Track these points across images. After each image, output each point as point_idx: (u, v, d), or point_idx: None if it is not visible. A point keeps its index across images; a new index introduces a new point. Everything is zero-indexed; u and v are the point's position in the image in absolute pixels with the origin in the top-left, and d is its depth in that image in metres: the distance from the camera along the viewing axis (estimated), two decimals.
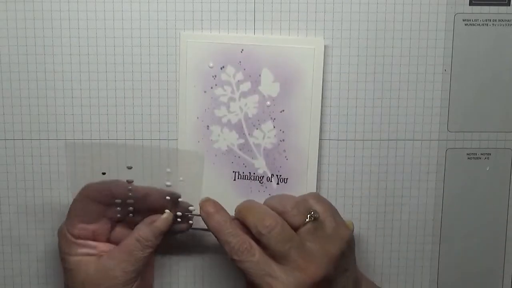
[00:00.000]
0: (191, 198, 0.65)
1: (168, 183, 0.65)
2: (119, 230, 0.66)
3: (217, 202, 0.64)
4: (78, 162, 0.66)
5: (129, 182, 0.64)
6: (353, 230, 0.66)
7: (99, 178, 0.64)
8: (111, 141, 0.68)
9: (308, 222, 0.62)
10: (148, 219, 0.65)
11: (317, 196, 0.65)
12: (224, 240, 0.62)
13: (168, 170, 0.66)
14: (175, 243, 0.70)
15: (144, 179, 0.65)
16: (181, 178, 0.66)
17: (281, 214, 0.62)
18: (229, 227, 0.62)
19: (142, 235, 0.64)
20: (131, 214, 0.65)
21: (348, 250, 0.63)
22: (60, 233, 0.65)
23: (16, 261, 0.70)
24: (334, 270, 0.61)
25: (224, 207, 0.66)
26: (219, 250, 0.70)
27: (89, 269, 0.63)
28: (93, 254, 0.64)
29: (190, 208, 0.66)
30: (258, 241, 0.61)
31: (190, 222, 0.66)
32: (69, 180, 0.67)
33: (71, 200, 0.64)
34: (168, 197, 0.65)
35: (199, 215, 0.64)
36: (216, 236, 0.63)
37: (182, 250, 0.70)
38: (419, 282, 0.71)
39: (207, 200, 0.64)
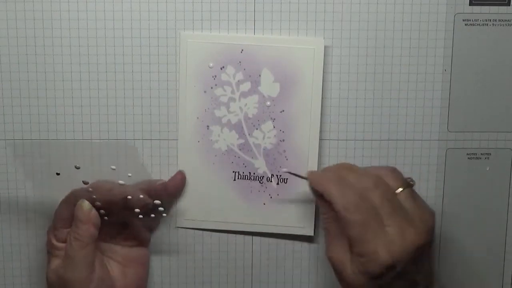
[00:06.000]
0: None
1: (121, 182, 0.64)
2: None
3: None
4: (30, 162, 0.67)
5: (85, 183, 0.64)
6: None
7: (54, 178, 0.66)
8: (58, 140, 0.68)
9: (406, 187, 0.62)
10: None
11: None
12: (332, 198, 0.60)
13: (113, 167, 0.66)
14: (173, 243, 0.70)
15: (95, 179, 0.65)
16: (129, 174, 0.65)
17: (380, 176, 0.62)
18: (337, 186, 0.61)
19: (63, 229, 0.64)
20: (106, 217, 0.65)
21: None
22: (48, 234, 0.65)
23: (16, 260, 0.70)
24: (429, 242, 0.61)
25: (224, 208, 0.66)
26: (217, 249, 0.70)
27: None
28: None
29: (156, 202, 0.65)
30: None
31: (163, 215, 0.66)
32: (28, 180, 0.68)
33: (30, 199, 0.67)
34: (129, 197, 0.64)
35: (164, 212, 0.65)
36: (324, 195, 0.61)
37: (181, 250, 0.70)
38: None
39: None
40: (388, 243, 0.58)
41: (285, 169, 0.67)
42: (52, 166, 0.68)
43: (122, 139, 0.68)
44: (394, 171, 0.63)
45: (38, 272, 0.70)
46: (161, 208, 0.65)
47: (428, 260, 0.64)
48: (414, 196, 0.62)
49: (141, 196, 0.64)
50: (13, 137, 0.68)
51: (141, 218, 0.65)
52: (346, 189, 0.60)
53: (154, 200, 0.65)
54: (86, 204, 0.63)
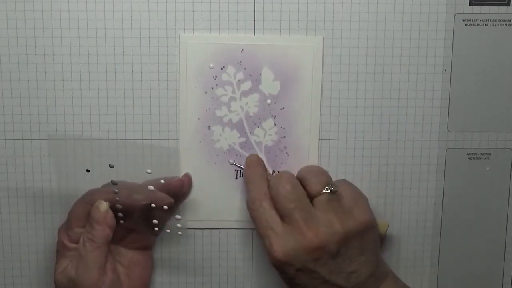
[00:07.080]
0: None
1: (151, 187, 0.64)
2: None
3: (262, 160, 0.67)
4: (62, 161, 0.67)
5: (113, 183, 0.64)
6: (385, 231, 0.68)
7: (84, 174, 0.66)
8: (95, 139, 0.68)
9: (324, 192, 0.63)
10: None
11: (345, 181, 0.67)
12: (247, 188, 0.65)
13: (149, 171, 0.66)
14: (173, 243, 0.70)
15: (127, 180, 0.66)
16: (162, 181, 0.66)
17: (303, 179, 0.64)
18: (257, 178, 0.65)
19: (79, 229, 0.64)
20: (121, 221, 0.65)
21: (364, 235, 0.63)
22: (59, 233, 0.65)
23: (16, 261, 0.70)
24: (336, 245, 0.61)
25: (227, 206, 0.67)
26: (217, 249, 0.70)
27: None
28: None
29: (177, 216, 0.66)
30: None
31: (179, 233, 0.67)
32: (54, 177, 0.68)
33: (52, 198, 0.67)
34: (153, 205, 0.64)
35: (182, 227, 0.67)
36: (246, 186, 0.67)
37: (181, 250, 0.70)
38: (419, 282, 0.71)
39: (254, 154, 0.67)
40: (282, 241, 0.61)
41: (231, 161, 0.68)
42: (84, 163, 0.68)
43: (129, 139, 0.68)
44: (318, 174, 0.65)
45: (39, 272, 0.70)
46: (179, 225, 0.66)
47: (362, 264, 0.63)
48: (332, 201, 0.63)
49: (165, 207, 0.65)
50: (13, 137, 0.68)
51: (156, 230, 0.66)
52: (253, 187, 0.64)
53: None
54: (103, 205, 0.63)
